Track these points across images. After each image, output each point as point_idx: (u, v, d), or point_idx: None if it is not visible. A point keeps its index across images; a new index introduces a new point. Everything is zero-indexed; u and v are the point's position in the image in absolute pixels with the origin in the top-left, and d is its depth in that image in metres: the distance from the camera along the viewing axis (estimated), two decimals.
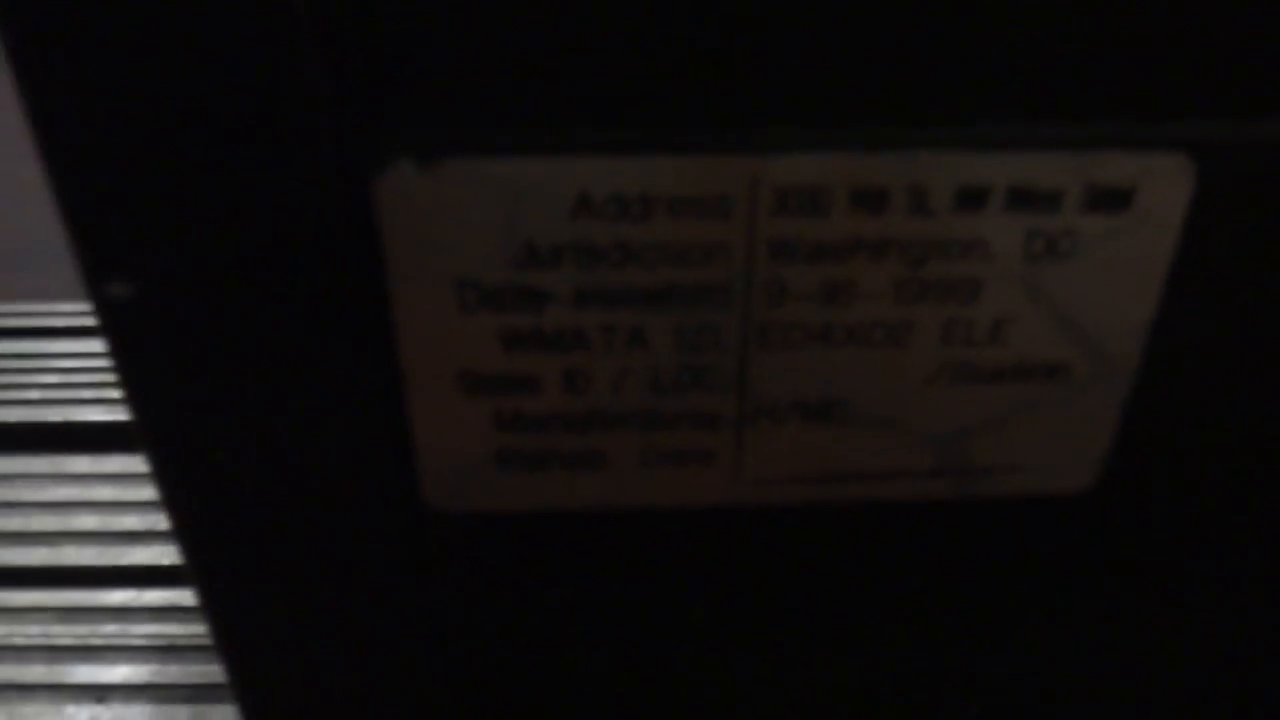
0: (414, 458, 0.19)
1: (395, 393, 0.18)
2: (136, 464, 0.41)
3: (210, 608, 0.21)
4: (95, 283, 0.17)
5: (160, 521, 0.38)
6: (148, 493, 0.39)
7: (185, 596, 0.34)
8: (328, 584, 0.21)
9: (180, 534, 0.20)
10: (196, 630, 0.34)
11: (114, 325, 0.17)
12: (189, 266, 0.16)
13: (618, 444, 0.19)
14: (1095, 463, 0.20)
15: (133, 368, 0.17)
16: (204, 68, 0.15)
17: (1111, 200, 0.17)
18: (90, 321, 0.49)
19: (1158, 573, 0.23)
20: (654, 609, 0.22)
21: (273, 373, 0.18)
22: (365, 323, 0.17)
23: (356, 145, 0.16)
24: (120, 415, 0.44)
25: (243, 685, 0.22)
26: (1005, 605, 0.23)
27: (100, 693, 0.32)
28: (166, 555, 0.36)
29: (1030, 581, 0.22)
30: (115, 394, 0.45)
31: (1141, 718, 0.26)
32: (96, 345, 0.47)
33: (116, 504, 0.39)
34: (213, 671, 0.32)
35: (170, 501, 0.19)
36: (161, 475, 0.19)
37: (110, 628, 0.34)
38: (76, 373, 0.46)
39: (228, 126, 0.15)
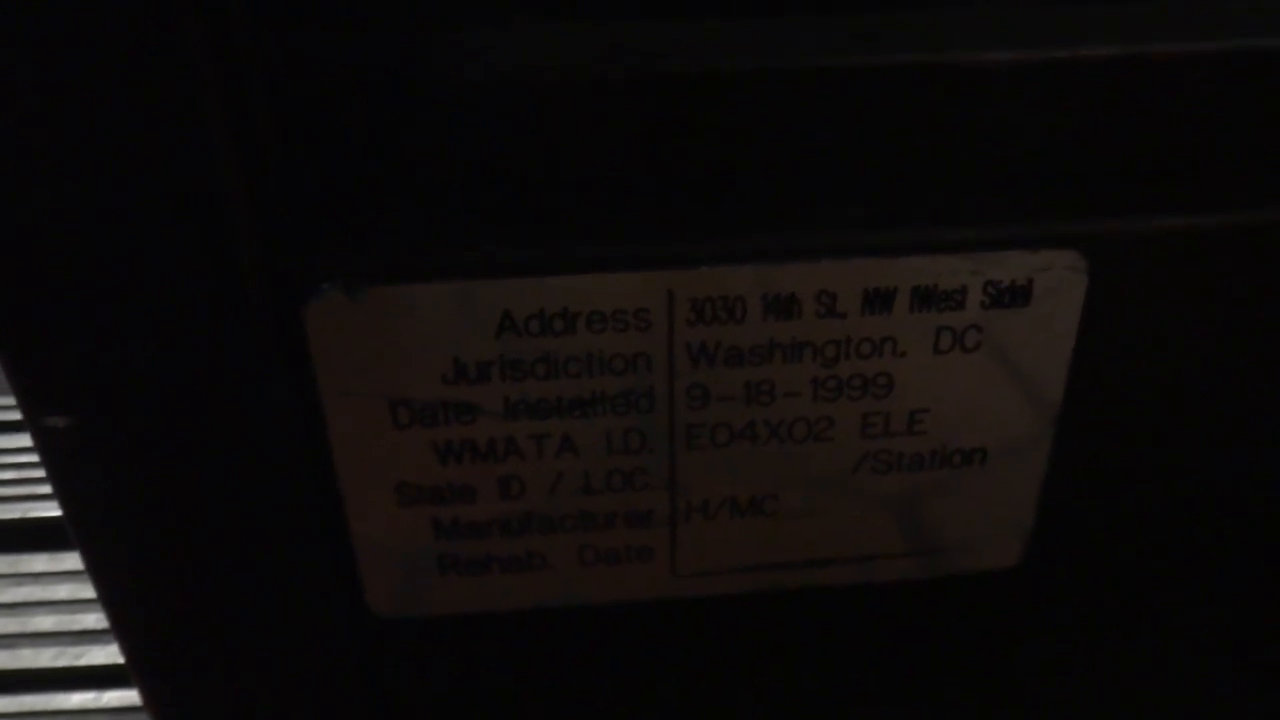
0: (357, 574, 0.19)
1: (336, 507, 0.19)
2: None
3: (157, 715, 0.21)
4: (33, 415, 0.17)
5: None
6: None
7: None
8: (277, 691, 0.21)
9: (126, 650, 0.20)
10: None
11: (50, 453, 0.18)
12: (126, 398, 0.17)
13: (555, 545, 0.19)
14: (1020, 539, 0.21)
15: (70, 493, 0.18)
16: (134, 207, 0.15)
17: (1011, 296, 0.18)
18: None
19: (1090, 637, 0.23)
20: (600, 698, 0.23)
21: (212, 494, 0.18)
22: (301, 442, 0.18)
23: (285, 276, 0.17)
24: None
25: None
26: (944, 676, 0.23)
27: None
28: None
29: (967, 653, 0.23)
30: None
31: None
32: None
33: (75, 601, 0.39)
34: None
35: (114, 617, 0.20)
36: (104, 593, 0.19)
37: None
38: (31, 468, 0.46)
39: (157, 263, 0.16)
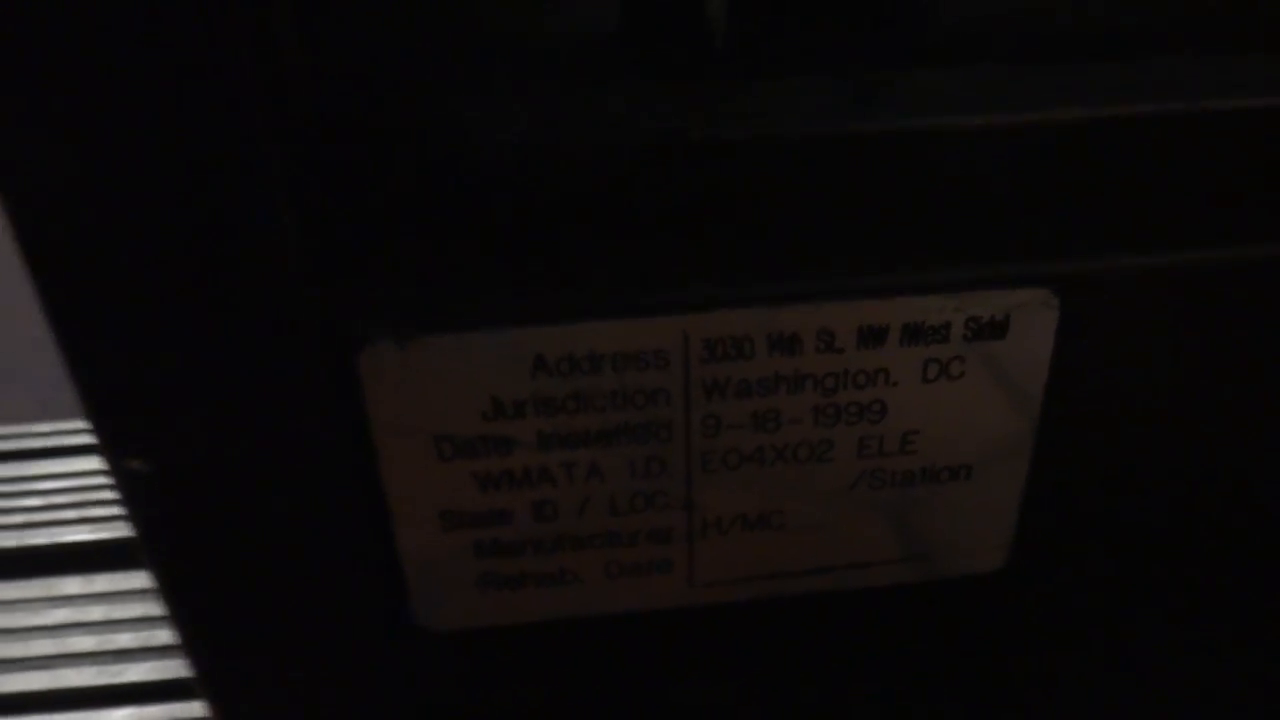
0: (406, 591, 0.21)
1: (386, 531, 0.21)
2: (127, 581, 0.42)
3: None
4: (115, 459, 0.19)
5: (155, 637, 0.39)
6: (140, 609, 0.41)
7: (185, 709, 0.36)
8: (330, 697, 0.23)
9: (195, 664, 0.22)
10: None
11: (132, 495, 0.19)
12: (201, 443, 0.19)
13: (584, 562, 0.21)
14: (1003, 546, 0.23)
15: (150, 531, 0.20)
16: (211, 277, 0.17)
17: (990, 330, 0.20)
18: (70, 441, 0.51)
19: (1075, 639, 0.25)
20: (622, 698, 0.25)
21: (276, 524, 0.20)
22: (355, 474, 0.20)
23: (340, 328, 0.19)
24: (106, 534, 0.46)
25: None
26: (938, 674, 0.25)
27: None
28: (163, 670, 0.38)
29: (960, 653, 0.25)
30: (100, 512, 0.47)
31: None
32: (77, 465, 0.49)
33: (110, 622, 0.41)
34: None
35: (186, 635, 0.21)
36: (179, 618, 0.21)
37: None
38: (59, 494, 0.48)
39: (230, 322, 0.18)
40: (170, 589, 0.20)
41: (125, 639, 0.40)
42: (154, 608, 0.40)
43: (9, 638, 0.40)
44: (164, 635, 0.39)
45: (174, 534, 0.20)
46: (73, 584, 0.43)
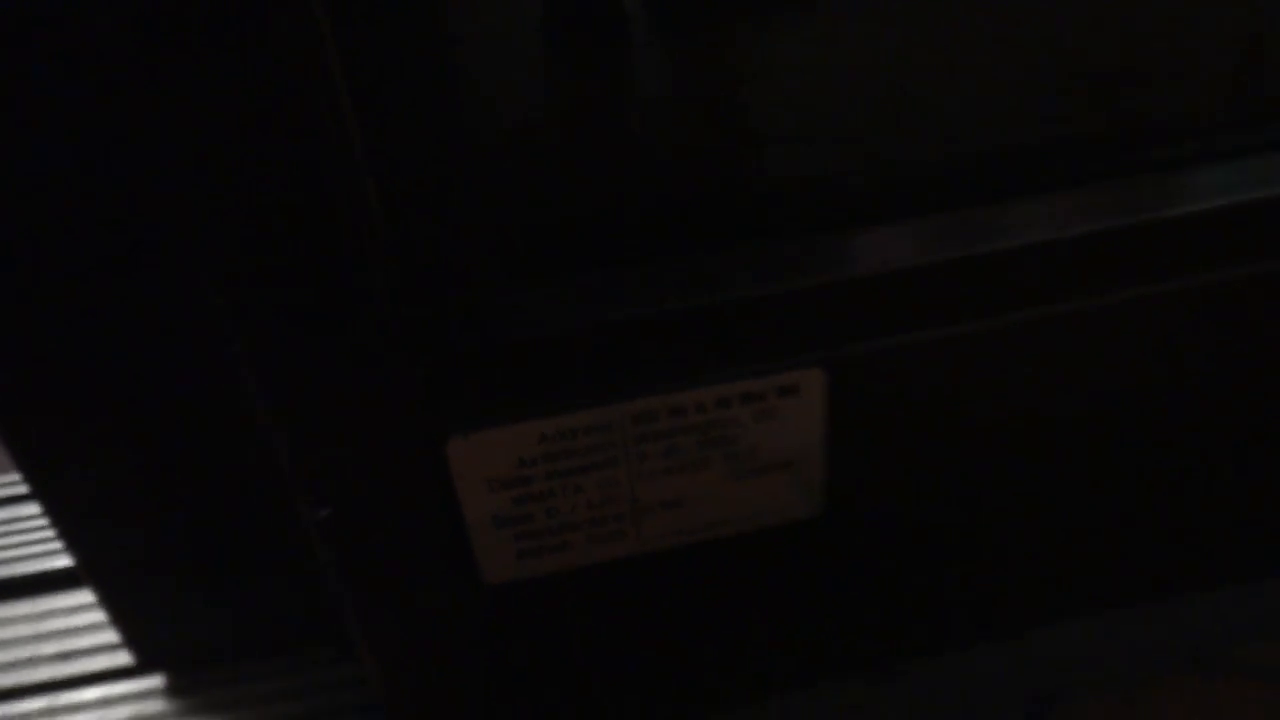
0: (476, 562, 0.37)
1: (463, 530, 0.37)
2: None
3: (371, 648, 0.39)
4: (310, 511, 0.35)
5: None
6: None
7: (149, 683, 0.52)
8: (446, 633, 0.39)
9: (362, 625, 0.38)
10: None
11: (321, 531, 0.35)
12: (358, 496, 0.34)
13: (575, 538, 0.38)
14: (818, 502, 0.39)
15: (335, 550, 0.35)
16: (358, 407, 0.33)
17: (790, 390, 0.36)
18: (10, 492, 0.65)
19: (883, 566, 0.42)
20: (615, 618, 0.41)
21: (407, 530, 0.36)
22: (446, 499, 0.36)
23: (432, 426, 0.34)
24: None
25: (387, 686, 0.40)
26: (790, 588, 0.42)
27: None
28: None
29: (795, 575, 0.42)
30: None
31: None
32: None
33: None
34: None
35: (352, 584, 0.37)
36: (358, 599, 0.37)
37: None
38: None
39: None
40: (347, 579, 0.36)
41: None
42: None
43: None
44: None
45: (347, 550, 0.36)
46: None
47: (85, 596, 0.57)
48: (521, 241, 0.35)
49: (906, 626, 0.46)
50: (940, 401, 0.38)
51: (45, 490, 0.42)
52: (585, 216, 0.35)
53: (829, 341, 0.35)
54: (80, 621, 0.56)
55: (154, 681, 0.53)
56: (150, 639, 0.50)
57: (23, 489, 0.64)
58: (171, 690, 0.52)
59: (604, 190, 0.35)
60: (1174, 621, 0.51)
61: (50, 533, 0.60)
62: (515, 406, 0.34)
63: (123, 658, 0.53)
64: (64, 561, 0.59)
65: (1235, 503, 0.47)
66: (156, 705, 0.52)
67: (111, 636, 0.54)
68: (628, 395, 0.35)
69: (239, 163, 0.27)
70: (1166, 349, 0.40)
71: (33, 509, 0.63)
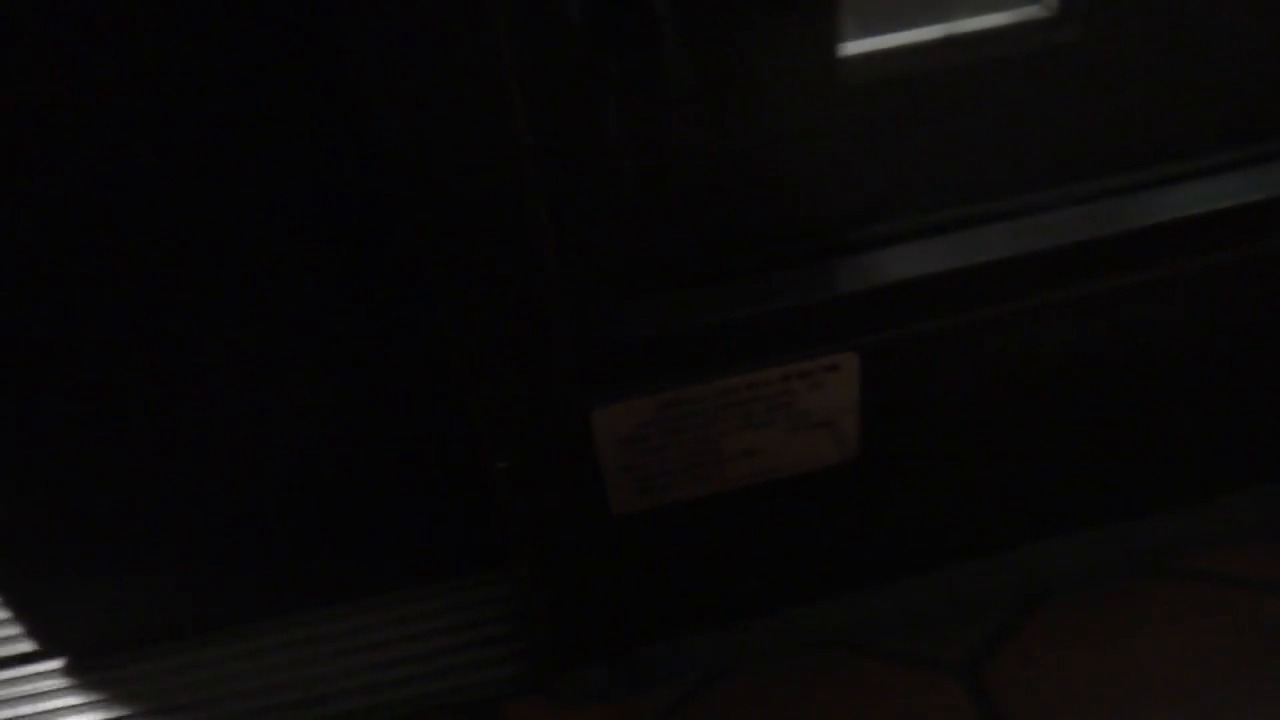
0: (607, 497, 0.51)
1: (600, 476, 0.51)
2: None
3: (530, 567, 0.53)
4: (490, 462, 0.49)
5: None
6: None
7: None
8: (587, 557, 0.54)
9: (527, 548, 0.52)
10: None
11: (501, 484, 0.49)
12: (528, 452, 0.49)
13: (678, 479, 0.52)
14: (853, 450, 0.53)
15: (512, 496, 0.50)
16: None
17: (833, 368, 0.50)
18: None
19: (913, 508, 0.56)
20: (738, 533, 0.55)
21: (561, 487, 0.50)
22: (588, 453, 0.50)
23: (582, 401, 0.48)
24: None
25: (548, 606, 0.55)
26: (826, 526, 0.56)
27: None
28: None
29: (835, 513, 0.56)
30: None
31: None
32: None
33: None
34: None
35: (519, 517, 0.52)
36: (523, 530, 0.51)
37: None
38: None
39: (523, 406, 0.48)
40: (516, 513, 0.51)
41: None
42: None
43: None
44: None
45: (518, 491, 0.50)
46: None
47: None
48: (645, 268, 0.49)
49: (924, 542, 0.61)
50: (944, 374, 0.52)
51: None
52: (689, 249, 0.49)
53: (861, 332, 0.49)
54: None
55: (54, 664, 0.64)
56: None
57: None
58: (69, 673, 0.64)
59: (707, 231, 0.49)
60: (1137, 536, 0.64)
61: None
62: (638, 385, 0.49)
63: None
64: None
65: (1183, 442, 0.60)
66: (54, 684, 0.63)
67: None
68: (717, 375, 0.49)
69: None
70: (1116, 331, 0.53)
71: None
